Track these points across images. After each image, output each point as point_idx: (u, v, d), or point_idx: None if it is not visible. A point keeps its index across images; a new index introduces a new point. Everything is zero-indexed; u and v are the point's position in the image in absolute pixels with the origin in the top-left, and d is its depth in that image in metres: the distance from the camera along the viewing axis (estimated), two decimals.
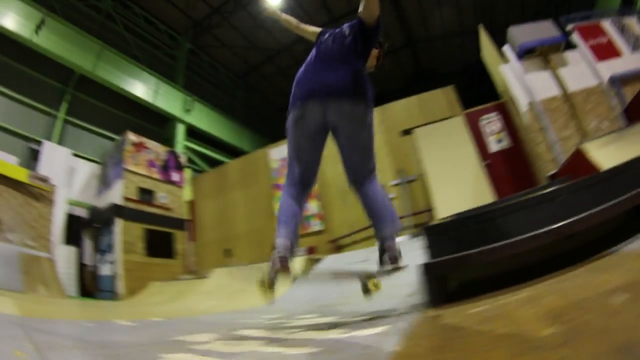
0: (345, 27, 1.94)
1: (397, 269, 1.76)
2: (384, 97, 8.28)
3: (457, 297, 1.64)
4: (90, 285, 9.18)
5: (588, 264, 1.34)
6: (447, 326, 1.35)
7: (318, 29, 2.11)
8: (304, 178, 1.85)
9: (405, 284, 3.26)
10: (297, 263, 4.89)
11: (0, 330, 1.73)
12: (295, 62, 16.00)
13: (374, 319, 1.97)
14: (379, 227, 1.79)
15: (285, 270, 1.63)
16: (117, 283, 8.08)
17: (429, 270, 1.75)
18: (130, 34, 13.25)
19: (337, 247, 7.14)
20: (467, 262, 1.65)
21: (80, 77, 11.21)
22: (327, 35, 1.99)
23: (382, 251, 1.82)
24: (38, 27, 10.22)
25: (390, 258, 1.77)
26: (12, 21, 9.81)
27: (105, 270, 8.98)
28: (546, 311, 0.98)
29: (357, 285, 2.51)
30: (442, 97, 7.03)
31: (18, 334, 1.62)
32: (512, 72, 5.85)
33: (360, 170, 1.82)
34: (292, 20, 2.23)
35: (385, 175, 6.72)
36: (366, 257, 4.52)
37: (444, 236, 1.94)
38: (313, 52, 1.98)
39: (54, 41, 10.48)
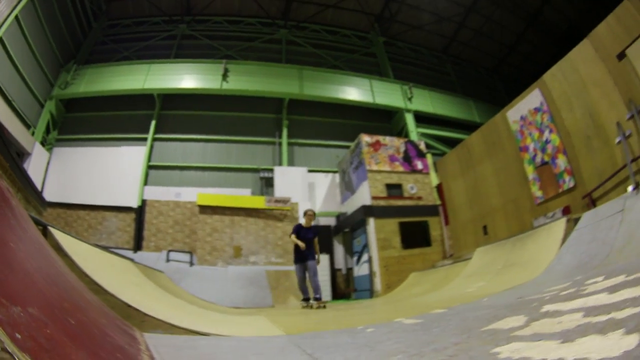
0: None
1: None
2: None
3: None
4: (345, 288, 9.72)
5: None
6: None
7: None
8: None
9: None
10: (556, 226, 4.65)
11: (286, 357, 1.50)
12: (485, 20, 14.89)
13: None
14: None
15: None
16: (374, 280, 8.30)
17: None
18: (320, 49, 14.10)
19: (592, 200, 6.43)
20: None
21: (290, 102, 12.09)
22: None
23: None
24: (224, 76, 11.38)
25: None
26: (199, 80, 11.45)
27: (361, 270, 9.15)
28: None
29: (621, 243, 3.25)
30: (632, 7, 5.72)
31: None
32: None
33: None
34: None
35: (617, 111, 5.99)
36: (622, 207, 3.76)
37: None
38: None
39: (243, 81, 11.57)
